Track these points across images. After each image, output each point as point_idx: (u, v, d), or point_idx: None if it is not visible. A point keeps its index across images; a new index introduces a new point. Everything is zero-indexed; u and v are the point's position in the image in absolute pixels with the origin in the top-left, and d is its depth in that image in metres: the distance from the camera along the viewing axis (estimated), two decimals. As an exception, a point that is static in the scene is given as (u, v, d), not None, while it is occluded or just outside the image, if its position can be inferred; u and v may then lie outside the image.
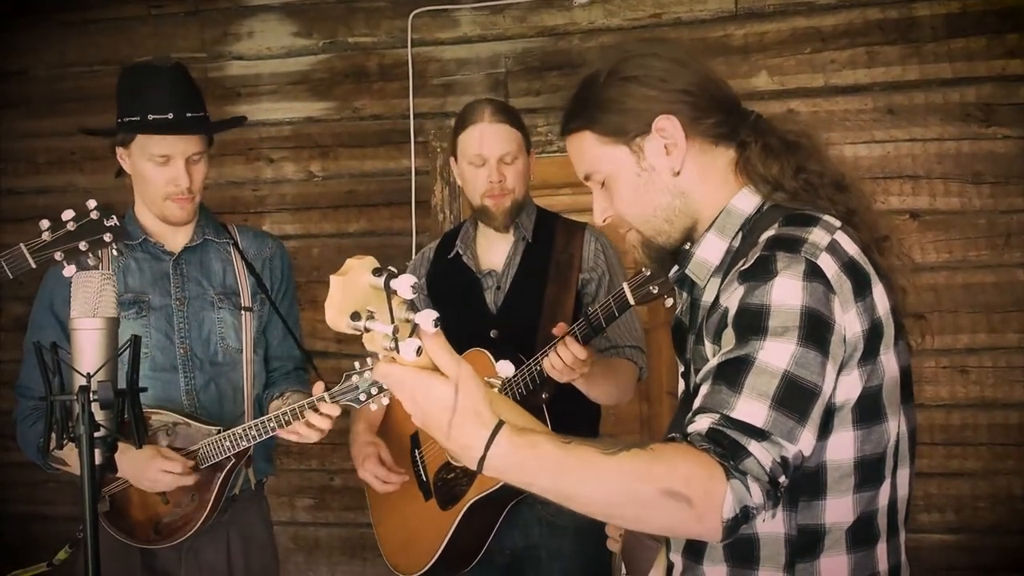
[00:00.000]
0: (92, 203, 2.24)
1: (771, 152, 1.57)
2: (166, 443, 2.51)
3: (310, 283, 4.45)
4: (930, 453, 3.78)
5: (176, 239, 2.66)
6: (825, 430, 1.43)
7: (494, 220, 2.73)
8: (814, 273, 1.39)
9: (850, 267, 1.44)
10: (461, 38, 4.32)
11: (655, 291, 2.28)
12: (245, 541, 2.68)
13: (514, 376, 2.46)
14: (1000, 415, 3.82)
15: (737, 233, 1.57)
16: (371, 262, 1.24)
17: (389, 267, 1.22)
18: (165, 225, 2.65)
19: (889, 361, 1.48)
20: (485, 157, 2.68)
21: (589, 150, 1.61)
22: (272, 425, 2.39)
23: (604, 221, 1.66)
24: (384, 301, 1.21)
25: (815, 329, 1.37)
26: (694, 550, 1.55)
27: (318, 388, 2.37)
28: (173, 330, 2.62)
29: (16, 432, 2.66)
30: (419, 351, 1.23)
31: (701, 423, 1.36)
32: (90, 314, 1.79)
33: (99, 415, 1.73)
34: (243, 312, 2.66)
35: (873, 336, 1.44)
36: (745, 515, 1.32)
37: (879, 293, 1.47)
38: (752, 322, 1.39)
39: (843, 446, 1.45)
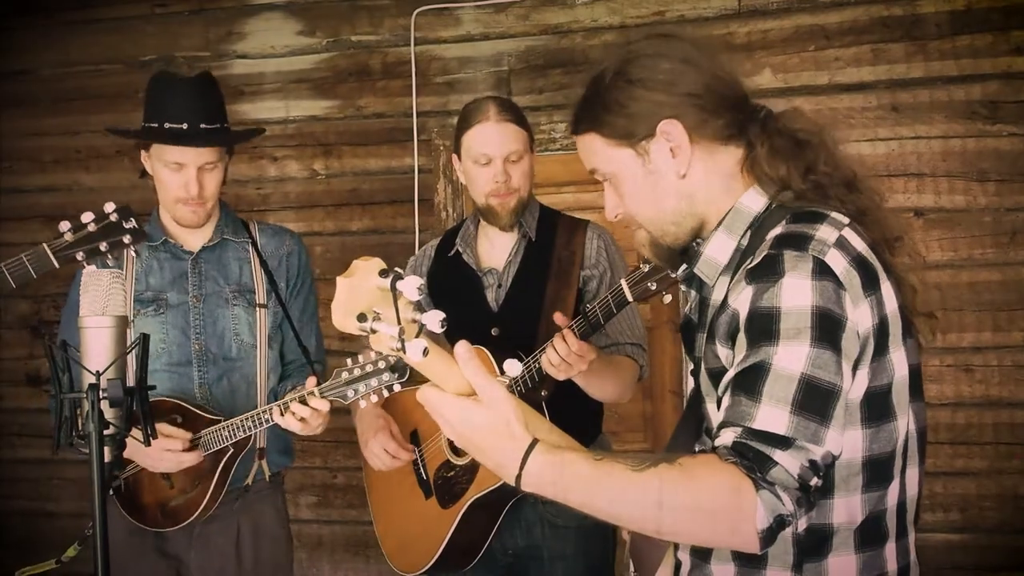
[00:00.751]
0: (110, 205, 2.30)
1: (778, 153, 1.55)
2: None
3: (314, 281, 4.46)
4: (935, 452, 3.77)
5: (195, 239, 2.75)
6: None
7: (499, 220, 2.72)
8: (822, 271, 1.39)
9: (859, 262, 1.43)
10: (464, 36, 4.32)
11: (653, 287, 2.27)
12: (256, 531, 2.74)
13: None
14: (1006, 414, 3.81)
15: (746, 231, 1.56)
16: (377, 263, 1.24)
17: (395, 268, 1.23)
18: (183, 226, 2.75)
19: (898, 359, 1.47)
20: (491, 156, 2.66)
21: (596, 151, 1.61)
22: (266, 417, 2.47)
23: (615, 218, 1.65)
24: (390, 302, 1.21)
25: (827, 328, 1.36)
26: (702, 548, 1.55)
27: (310, 383, 2.43)
28: (189, 326, 2.70)
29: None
30: (425, 352, 1.24)
31: (726, 436, 1.36)
32: (99, 312, 1.79)
33: (108, 413, 1.74)
34: (257, 309, 2.74)
35: (882, 333, 1.44)
36: (780, 524, 1.32)
37: (887, 290, 1.46)
38: (764, 327, 1.38)
39: (851, 445, 1.44)
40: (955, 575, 3.82)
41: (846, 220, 1.50)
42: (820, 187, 1.55)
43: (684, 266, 1.67)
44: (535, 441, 1.34)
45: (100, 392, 1.70)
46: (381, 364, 2.32)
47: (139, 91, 4.47)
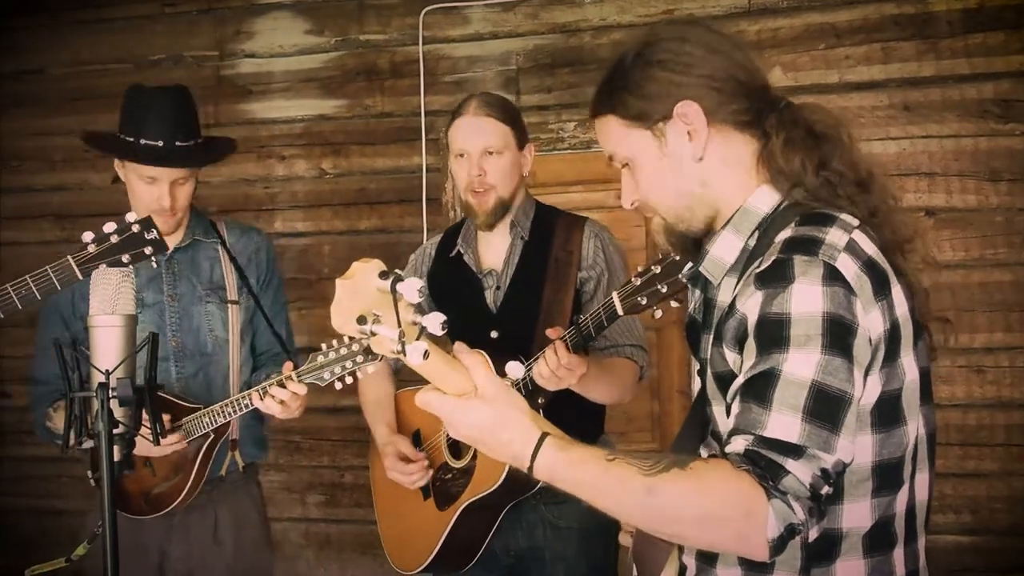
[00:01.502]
0: (132, 216, 2.35)
1: (793, 145, 1.53)
2: None
3: (321, 280, 4.47)
4: (945, 453, 3.75)
5: (168, 241, 2.75)
6: None
7: (476, 218, 2.69)
8: (833, 276, 1.36)
9: (869, 266, 1.41)
10: (472, 35, 4.31)
11: (643, 302, 2.21)
12: (233, 520, 2.81)
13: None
14: (1017, 415, 3.79)
15: (753, 232, 1.54)
16: (377, 265, 1.23)
17: (395, 270, 1.22)
18: None
19: (909, 364, 1.45)
20: (466, 150, 2.64)
21: (614, 134, 1.59)
22: (245, 402, 2.55)
23: (631, 206, 1.63)
24: (390, 304, 1.20)
25: (838, 335, 1.34)
26: (707, 553, 1.53)
27: (287, 368, 2.51)
28: (165, 324, 2.77)
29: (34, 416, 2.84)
30: (426, 354, 1.23)
31: (737, 444, 1.34)
32: (108, 311, 1.79)
33: (118, 412, 1.73)
34: (229, 305, 2.82)
35: (893, 337, 1.42)
36: (791, 532, 1.30)
37: (898, 294, 1.44)
38: (773, 333, 1.36)
39: (861, 450, 1.41)
40: (965, 577, 3.80)
41: (856, 222, 1.47)
42: (832, 185, 1.52)
43: (690, 264, 1.65)
44: (545, 435, 1.34)
45: (110, 391, 1.70)
46: (355, 347, 2.40)
47: (148, 90, 4.57)
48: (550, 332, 2.38)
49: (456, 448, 2.66)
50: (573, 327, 2.37)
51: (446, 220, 4.25)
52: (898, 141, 3.88)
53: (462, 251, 2.79)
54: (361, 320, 1.21)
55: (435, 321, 1.22)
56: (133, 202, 2.75)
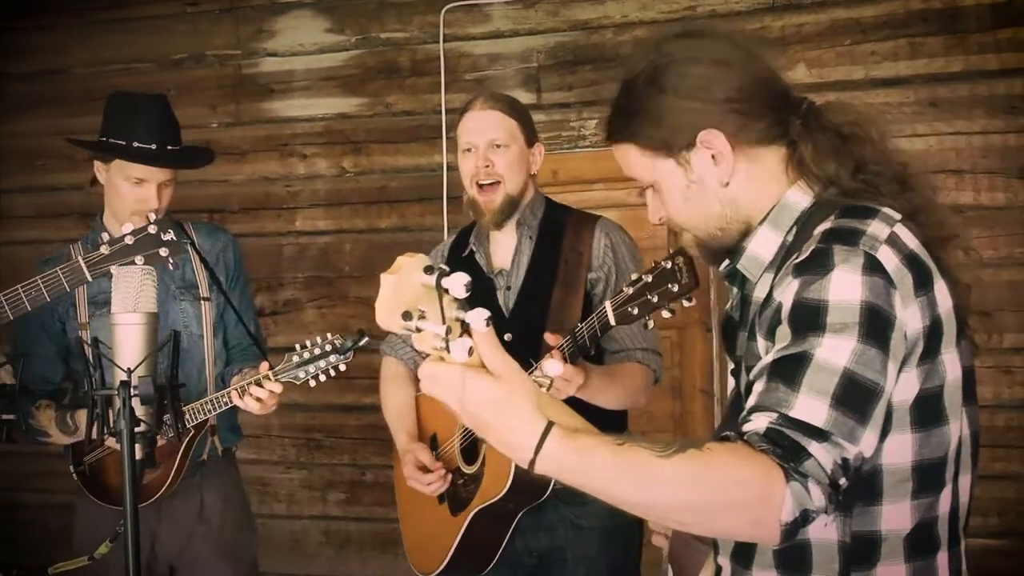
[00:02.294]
0: (152, 215, 2.38)
1: (824, 152, 1.50)
2: None
3: (341, 279, 4.46)
4: (972, 454, 3.71)
5: None
6: (882, 432, 1.37)
7: (483, 217, 2.66)
8: (873, 267, 1.34)
9: (911, 260, 1.38)
10: (493, 33, 4.30)
11: (635, 312, 2.15)
12: (217, 500, 2.94)
13: None
14: (1046, 417, 3.74)
15: (792, 227, 1.51)
16: (422, 260, 1.18)
17: (441, 265, 1.18)
18: None
19: (951, 361, 1.41)
20: (473, 143, 2.62)
21: (634, 162, 1.56)
22: (225, 400, 2.66)
23: (659, 221, 1.60)
24: (435, 300, 1.17)
25: (875, 325, 1.31)
26: (743, 554, 1.50)
27: (263, 368, 2.62)
28: None
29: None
30: (470, 351, 1.19)
31: (758, 422, 1.30)
32: (130, 309, 1.78)
33: (139, 410, 1.72)
34: (202, 302, 2.93)
35: (934, 334, 1.38)
36: (804, 518, 1.27)
37: (941, 289, 1.41)
38: (809, 318, 1.33)
39: (900, 449, 1.39)
40: (993, 581, 3.75)
41: (898, 216, 1.44)
42: (871, 185, 1.49)
43: (727, 262, 1.62)
44: (551, 424, 1.24)
45: (131, 389, 1.69)
46: (328, 347, 2.55)
47: (171, 89, 4.57)
48: (548, 338, 2.34)
49: (468, 453, 2.64)
50: (569, 337, 2.33)
51: (466, 219, 4.21)
52: (925, 138, 3.83)
53: (474, 249, 2.76)
54: (406, 316, 1.16)
55: (479, 317, 1.18)
56: (115, 203, 2.81)
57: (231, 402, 2.66)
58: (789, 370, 1.32)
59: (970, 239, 1.53)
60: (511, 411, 1.23)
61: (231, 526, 2.95)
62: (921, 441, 1.40)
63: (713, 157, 1.50)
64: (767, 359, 1.37)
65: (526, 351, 2.41)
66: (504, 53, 4.28)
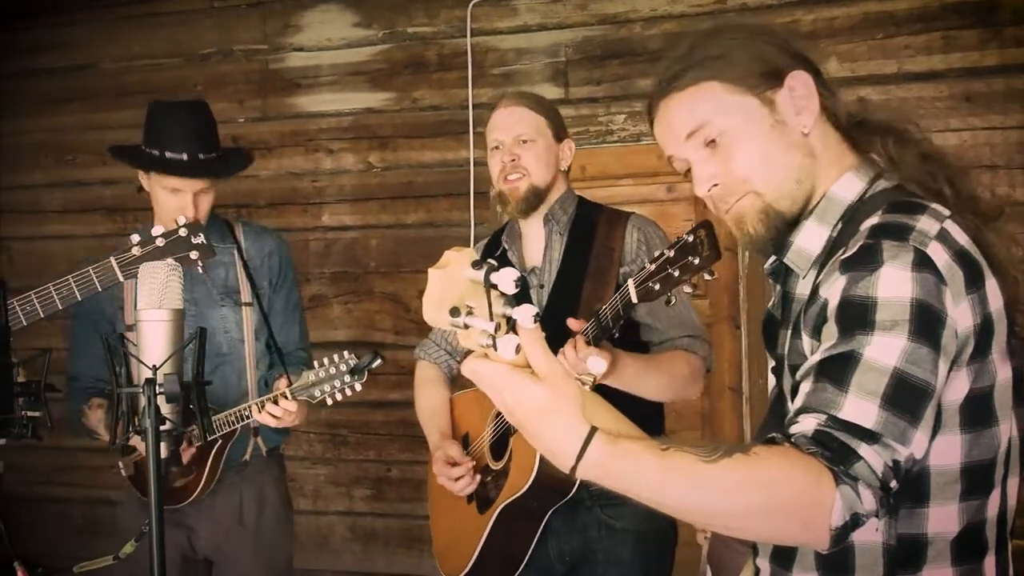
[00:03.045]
0: (182, 219, 2.45)
1: (884, 128, 1.49)
2: None
3: (367, 274, 4.46)
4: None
5: None
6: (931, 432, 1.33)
7: (508, 204, 2.64)
8: (923, 263, 1.30)
9: (962, 257, 1.34)
10: (521, 27, 4.27)
11: (657, 287, 2.09)
12: (256, 500, 2.98)
13: None
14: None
15: (838, 222, 1.49)
16: (470, 254, 1.16)
17: (489, 260, 1.15)
18: None
19: (1002, 361, 1.37)
20: (500, 140, 2.62)
21: (710, 102, 1.48)
22: (247, 413, 2.73)
23: (709, 191, 1.52)
24: (483, 296, 1.15)
25: (926, 323, 1.28)
26: (783, 556, 1.47)
27: (282, 384, 2.69)
28: (184, 327, 2.83)
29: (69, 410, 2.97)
30: (518, 349, 1.16)
31: (806, 424, 1.27)
32: (156, 305, 1.77)
33: (165, 408, 1.71)
34: (243, 307, 2.96)
35: (984, 332, 1.35)
36: (855, 522, 1.23)
37: (992, 287, 1.37)
38: (857, 315, 1.29)
39: (949, 451, 1.35)
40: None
41: (947, 212, 1.40)
42: (929, 169, 1.46)
43: (772, 258, 1.59)
44: (595, 429, 1.21)
45: (156, 387, 1.68)
46: (343, 367, 2.64)
47: (197, 84, 4.60)
48: (571, 323, 2.29)
49: (497, 449, 2.62)
50: (594, 319, 2.28)
51: (493, 214, 4.22)
52: (959, 133, 3.76)
53: (506, 248, 2.75)
54: (454, 312, 1.14)
55: (527, 313, 1.14)
56: (157, 211, 2.85)
57: (251, 416, 2.72)
58: (837, 370, 1.29)
59: (1012, 234, 1.49)
60: (555, 415, 1.20)
61: (267, 527, 2.99)
62: (971, 442, 1.36)
63: (795, 105, 1.47)
64: (814, 359, 1.33)
65: (559, 348, 2.38)
66: (532, 48, 4.26)
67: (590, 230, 2.64)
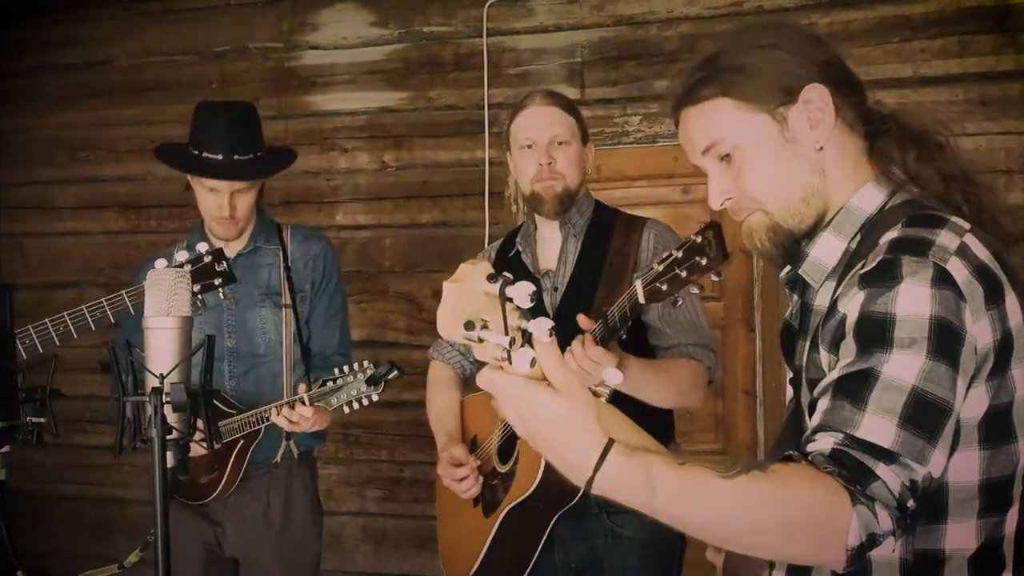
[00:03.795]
0: (204, 246, 2.55)
1: (909, 139, 1.47)
2: None
3: (381, 273, 4.46)
4: None
5: (232, 246, 2.99)
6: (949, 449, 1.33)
7: (544, 205, 2.62)
8: (943, 279, 1.29)
9: (982, 272, 1.33)
10: (537, 27, 4.26)
11: (664, 288, 2.08)
12: (284, 502, 3.00)
13: None
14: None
15: (856, 234, 1.47)
16: (485, 267, 1.16)
17: (504, 273, 1.15)
18: None
19: (1020, 376, 1.36)
20: (534, 140, 2.60)
21: (722, 118, 1.49)
22: (266, 415, 2.77)
23: (721, 205, 1.53)
24: (498, 309, 1.15)
25: (945, 340, 1.27)
26: (800, 571, 1.47)
27: (300, 390, 2.74)
28: (224, 325, 2.96)
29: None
30: (533, 362, 1.16)
31: (823, 443, 1.27)
32: (163, 313, 1.76)
33: (171, 417, 1.70)
34: (283, 309, 2.99)
35: (1004, 348, 1.33)
36: (871, 542, 1.23)
37: (1012, 302, 1.36)
38: (876, 332, 1.29)
39: (967, 467, 1.35)
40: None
41: (967, 225, 1.39)
42: (947, 182, 1.45)
43: (788, 268, 1.58)
44: (611, 441, 1.20)
45: (163, 396, 1.68)
46: (360, 376, 2.69)
47: (212, 82, 4.60)
48: (581, 319, 2.27)
49: (504, 452, 2.61)
50: (601, 319, 2.27)
51: (508, 214, 4.21)
52: (974, 137, 3.75)
53: (520, 249, 2.74)
54: (469, 326, 1.14)
55: (542, 327, 1.14)
56: (201, 210, 2.94)
57: (268, 419, 2.77)
58: (855, 388, 1.28)
59: None
60: (571, 428, 1.20)
61: (294, 530, 3.01)
62: (989, 459, 1.36)
63: (810, 119, 1.46)
64: (832, 376, 1.33)
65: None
66: (548, 48, 4.25)
67: (606, 235, 2.64)
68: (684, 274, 2.04)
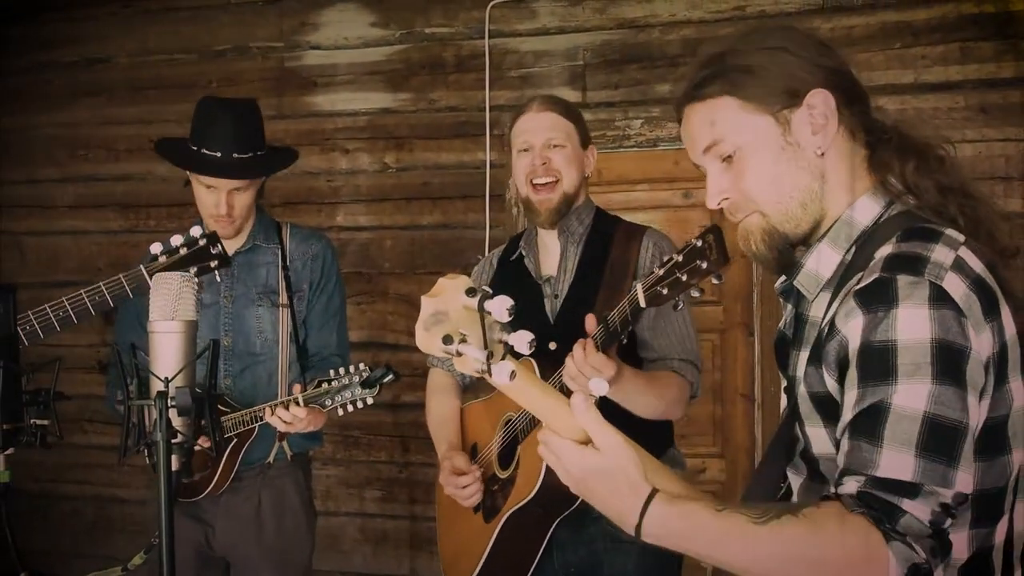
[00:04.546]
0: (198, 230, 2.51)
1: (909, 150, 1.47)
2: None
3: (381, 275, 4.46)
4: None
5: (231, 244, 2.94)
6: None
7: (538, 216, 2.63)
8: (940, 298, 1.29)
9: (979, 285, 1.33)
10: (539, 30, 4.26)
11: (665, 292, 2.08)
12: (276, 504, 2.99)
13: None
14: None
15: (851, 246, 1.48)
16: (464, 282, 1.18)
17: (484, 287, 1.17)
18: None
19: (1017, 388, 1.36)
20: (530, 143, 2.61)
21: (726, 117, 1.48)
22: (260, 415, 2.74)
23: (718, 205, 1.53)
24: (477, 323, 1.16)
25: (949, 361, 1.27)
26: None
27: (295, 390, 2.70)
28: (220, 324, 2.94)
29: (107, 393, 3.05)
30: (512, 375, 1.18)
31: (849, 486, 1.29)
32: (168, 317, 1.76)
33: (176, 421, 1.70)
34: (281, 308, 2.97)
35: (1002, 360, 1.34)
36: (915, 573, 1.25)
37: (1006, 314, 1.36)
38: (880, 363, 1.29)
39: None
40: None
41: (961, 238, 1.40)
42: (944, 193, 1.45)
43: (783, 279, 1.58)
44: (654, 491, 1.30)
45: (168, 400, 1.68)
46: (356, 378, 2.65)
47: (212, 81, 4.59)
48: (588, 320, 2.27)
49: (504, 458, 2.61)
50: (602, 324, 2.26)
51: (509, 216, 4.22)
52: (974, 144, 3.77)
53: (524, 253, 2.74)
54: (447, 339, 1.16)
55: (522, 340, 1.17)
56: (197, 205, 2.91)
57: (261, 419, 2.74)
58: (869, 425, 1.29)
59: None
60: (617, 481, 1.31)
61: (285, 531, 2.99)
62: (984, 470, 1.36)
63: (813, 124, 1.46)
64: (846, 417, 1.34)
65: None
66: (550, 50, 4.25)
67: (606, 242, 2.64)
68: (685, 278, 2.04)
